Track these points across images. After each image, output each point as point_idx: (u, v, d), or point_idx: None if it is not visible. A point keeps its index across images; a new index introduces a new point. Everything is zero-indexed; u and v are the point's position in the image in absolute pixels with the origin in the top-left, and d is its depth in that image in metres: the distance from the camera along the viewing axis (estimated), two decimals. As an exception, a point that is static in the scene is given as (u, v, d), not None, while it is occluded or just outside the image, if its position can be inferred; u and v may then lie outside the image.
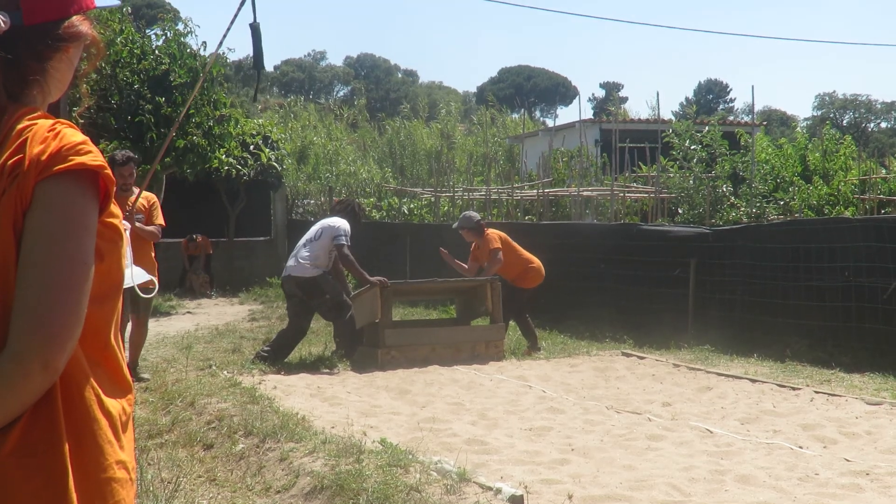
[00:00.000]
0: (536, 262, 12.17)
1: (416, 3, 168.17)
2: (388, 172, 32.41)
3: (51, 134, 1.81)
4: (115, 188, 1.88)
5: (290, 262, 10.90)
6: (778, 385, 9.34)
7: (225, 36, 6.64)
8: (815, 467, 6.14)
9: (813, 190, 17.84)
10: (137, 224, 8.73)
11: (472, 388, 9.35)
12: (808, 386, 9.26)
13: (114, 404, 1.89)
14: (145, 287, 7.77)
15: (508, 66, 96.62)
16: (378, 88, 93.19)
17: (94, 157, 1.81)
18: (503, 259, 11.86)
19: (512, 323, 12.53)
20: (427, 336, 11.37)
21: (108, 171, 1.84)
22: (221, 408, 7.89)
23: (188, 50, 17.57)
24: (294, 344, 10.94)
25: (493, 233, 12.20)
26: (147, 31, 18.95)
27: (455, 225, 12.74)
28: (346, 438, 6.51)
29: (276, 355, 10.55)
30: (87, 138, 1.85)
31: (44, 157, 1.77)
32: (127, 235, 2.00)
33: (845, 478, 5.88)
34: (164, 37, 17.87)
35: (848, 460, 6.36)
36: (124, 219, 7.38)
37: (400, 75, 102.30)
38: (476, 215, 12.49)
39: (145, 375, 9.48)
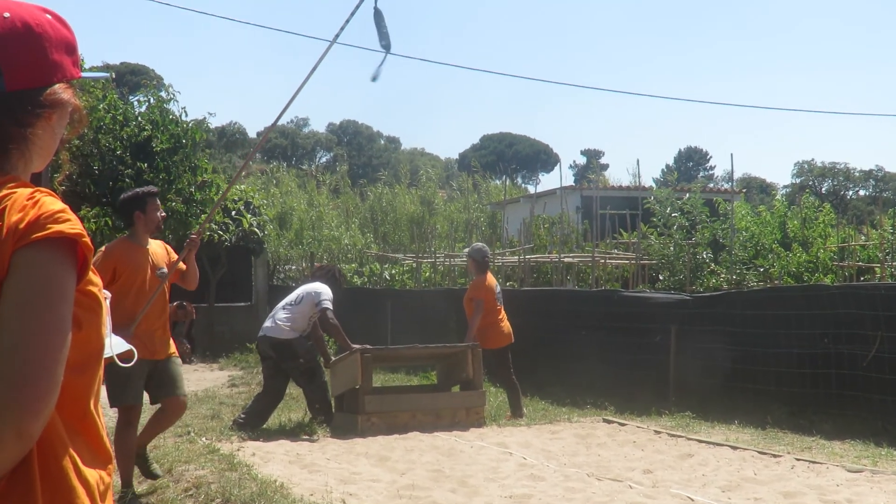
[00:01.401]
0: (505, 323, 12.11)
1: (398, 71, 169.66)
2: (369, 238, 32.46)
3: (29, 202, 1.82)
4: (93, 255, 1.89)
5: (267, 322, 10.90)
6: (759, 452, 9.33)
7: (338, 34, 6.69)
8: (797, 535, 6.12)
9: (792, 257, 17.90)
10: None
11: (452, 455, 9.30)
12: (789, 453, 9.25)
13: (92, 474, 1.88)
14: (124, 357, 7.70)
15: (490, 132, 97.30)
16: (360, 155, 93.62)
17: (72, 225, 1.82)
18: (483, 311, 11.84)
19: (494, 389, 12.52)
20: (407, 402, 11.32)
21: (87, 239, 1.85)
22: (199, 475, 7.83)
23: (170, 116, 17.67)
24: (271, 409, 10.88)
25: (489, 282, 12.15)
26: (130, 97, 19.06)
27: (466, 250, 12.82)
28: (324, 506, 6.46)
29: (254, 422, 10.49)
30: (65, 206, 1.86)
31: (21, 226, 1.77)
32: (107, 304, 2.00)
33: (826, 546, 5.87)
34: (146, 103, 17.97)
35: (829, 528, 6.34)
36: (167, 268, 7.40)
37: (382, 142, 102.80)
38: (487, 251, 12.55)
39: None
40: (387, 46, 5.38)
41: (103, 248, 7.31)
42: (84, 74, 2.10)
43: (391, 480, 8.00)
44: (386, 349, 13.32)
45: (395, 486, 7.71)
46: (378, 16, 6.10)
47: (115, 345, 7.37)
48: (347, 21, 5.68)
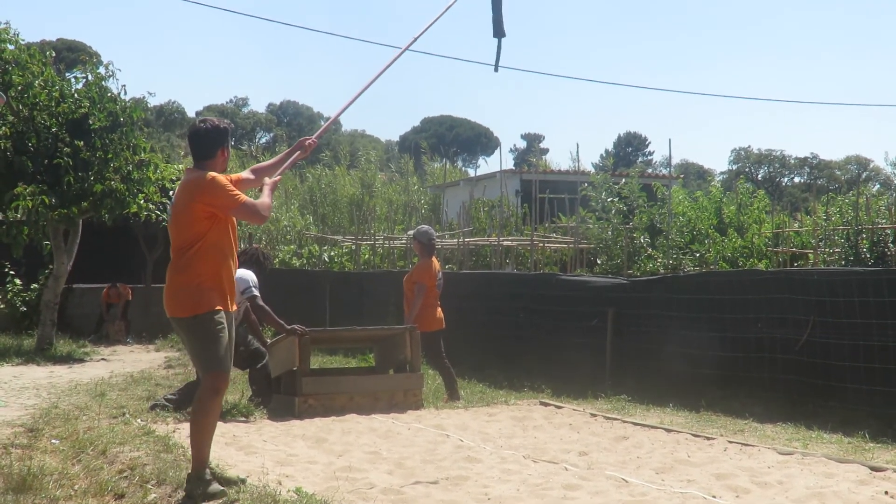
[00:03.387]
0: (439, 309, 12.15)
1: (339, 52, 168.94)
2: (308, 220, 32.32)
3: None
4: None
5: None
6: (693, 435, 9.44)
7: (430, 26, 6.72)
8: (728, 516, 6.20)
9: (727, 242, 18.12)
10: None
11: (389, 437, 9.30)
12: (722, 436, 9.35)
13: None
14: None
15: (431, 115, 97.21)
16: (300, 136, 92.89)
17: None
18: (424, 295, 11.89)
19: (432, 371, 12.54)
20: (345, 384, 11.30)
21: None
22: (134, 456, 7.76)
23: (108, 94, 17.42)
24: None
25: (434, 266, 12.19)
26: (67, 74, 18.74)
27: (411, 233, 12.79)
28: (260, 488, 6.44)
29: (183, 404, 10.40)
30: None
31: None
32: None
33: (757, 527, 5.95)
34: (84, 80, 17.69)
35: (760, 509, 6.43)
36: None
37: (322, 122, 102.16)
38: (434, 234, 12.58)
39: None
40: (500, 34, 5.31)
41: (213, 175, 6.55)
42: None
43: (328, 462, 7.99)
44: (324, 331, 13.28)
45: (332, 467, 7.70)
46: (497, 3, 6.00)
47: None
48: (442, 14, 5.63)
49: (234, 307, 6.86)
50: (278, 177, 7.23)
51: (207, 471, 6.46)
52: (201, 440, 6.46)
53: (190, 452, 6.68)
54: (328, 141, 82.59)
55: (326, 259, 23.75)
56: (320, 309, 18.62)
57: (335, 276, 20.52)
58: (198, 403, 6.56)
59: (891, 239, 16.36)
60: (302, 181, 41.53)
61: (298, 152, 7.44)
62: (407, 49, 8.03)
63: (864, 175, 73.75)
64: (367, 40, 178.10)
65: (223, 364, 6.53)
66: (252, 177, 7.28)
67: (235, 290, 6.94)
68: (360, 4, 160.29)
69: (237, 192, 6.57)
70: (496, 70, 7.68)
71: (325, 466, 7.80)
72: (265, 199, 6.86)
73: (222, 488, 6.36)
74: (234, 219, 6.75)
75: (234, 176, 7.07)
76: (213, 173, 6.56)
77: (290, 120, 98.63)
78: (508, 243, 20.36)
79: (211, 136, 6.77)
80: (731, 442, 9.00)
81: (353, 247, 23.36)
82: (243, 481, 6.60)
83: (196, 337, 6.56)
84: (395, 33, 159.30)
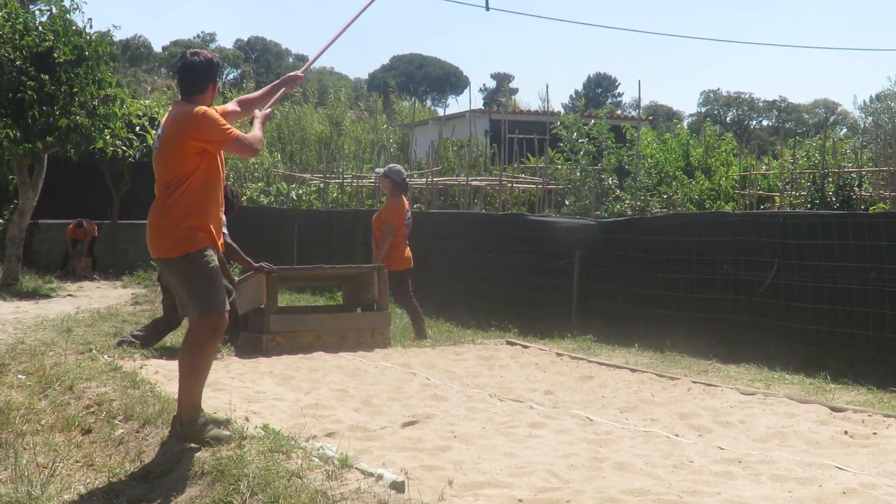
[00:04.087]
0: (407, 248, 12.14)
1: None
2: (276, 158, 32.14)
3: None
4: None
5: None
6: (657, 375, 9.53)
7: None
8: (690, 455, 6.29)
9: (695, 185, 18.22)
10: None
11: (356, 375, 9.34)
12: (686, 376, 9.45)
13: None
14: None
15: (400, 54, 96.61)
16: (268, 73, 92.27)
17: None
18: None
19: (400, 310, 12.58)
20: (312, 322, 11.32)
21: None
22: (101, 392, 7.76)
23: (73, 27, 17.17)
24: (169, 330, 10.79)
25: (404, 205, 12.19)
26: (31, 6, 18.45)
27: (381, 170, 12.72)
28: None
29: (149, 339, 10.39)
30: None
31: None
32: None
33: (718, 465, 6.03)
34: (48, 13, 17.43)
35: (721, 448, 6.52)
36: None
37: (291, 59, 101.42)
38: (405, 173, 12.53)
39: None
40: None
41: (204, 109, 6.33)
42: None
43: (295, 399, 8.02)
44: (291, 269, 13.29)
45: (299, 404, 7.73)
46: None
47: None
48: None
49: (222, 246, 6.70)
50: (269, 109, 7.08)
51: (201, 416, 6.25)
52: (196, 384, 6.26)
53: (177, 396, 6.41)
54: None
55: (294, 197, 23.69)
56: (288, 247, 18.60)
57: (303, 214, 20.46)
58: (194, 346, 6.32)
59: (856, 182, 16.52)
60: (270, 118, 41.23)
61: (284, 88, 7.30)
62: None
63: (832, 119, 74.08)
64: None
65: (222, 306, 6.37)
66: (238, 109, 7.07)
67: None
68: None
69: (229, 126, 6.37)
70: (487, 9, 7.58)
71: (292, 403, 7.83)
72: (256, 132, 6.69)
73: (228, 433, 6.13)
74: (222, 155, 6.55)
75: (220, 108, 6.83)
76: (203, 107, 6.34)
77: (259, 56, 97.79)
78: (477, 183, 20.37)
79: (203, 70, 6.53)
80: (694, 382, 9.09)
81: (322, 185, 23.29)
82: (228, 422, 6.49)
83: (188, 278, 6.32)
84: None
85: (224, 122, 6.36)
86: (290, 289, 15.84)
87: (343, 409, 7.73)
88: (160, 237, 6.33)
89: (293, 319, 11.28)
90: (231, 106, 7.13)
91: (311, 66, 8.55)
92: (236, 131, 6.38)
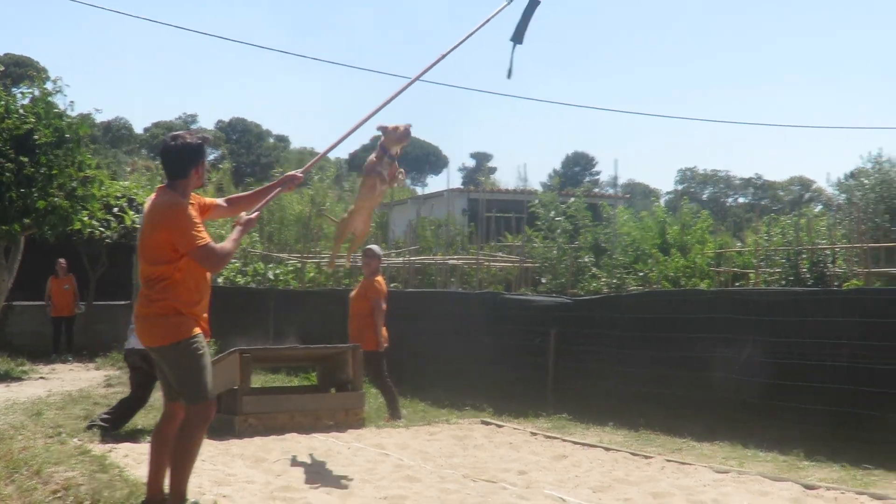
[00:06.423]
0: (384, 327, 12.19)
1: (286, 69, 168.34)
2: (254, 237, 32.13)
3: None
4: None
5: (132, 336, 10.55)
6: (631, 454, 9.50)
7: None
8: (662, 535, 6.25)
9: (670, 262, 18.30)
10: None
11: (329, 457, 9.26)
12: (660, 454, 9.42)
13: None
14: None
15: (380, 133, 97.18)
16: (249, 153, 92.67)
17: None
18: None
19: (375, 391, 12.52)
20: (286, 403, 11.25)
21: None
22: (69, 477, 7.67)
23: (55, 110, 17.23)
24: (135, 412, 10.69)
25: (383, 281, 12.33)
26: (13, 89, 18.52)
27: (367, 247, 12.87)
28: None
29: (115, 423, 10.29)
30: None
31: None
32: None
33: (690, 545, 6.00)
34: (30, 96, 17.49)
35: (694, 528, 6.48)
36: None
37: (272, 140, 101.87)
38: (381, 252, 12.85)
39: None
40: (518, 40, 5.16)
41: (179, 207, 6.21)
42: None
43: (266, 482, 7.94)
44: (265, 349, 13.23)
45: (270, 487, 7.66)
46: (531, 7, 5.75)
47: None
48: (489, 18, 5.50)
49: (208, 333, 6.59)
50: (255, 213, 6.87)
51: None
52: (185, 472, 6.28)
53: (147, 480, 6.45)
54: (277, 158, 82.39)
55: (272, 277, 23.65)
56: (264, 327, 18.51)
57: (279, 293, 20.41)
58: (186, 435, 6.28)
59: (830, 259, 16.63)
60: (254, 225, 41.28)
61: (280, 188, 7.18)
62: (409, 85, 8.08)
63: (806, 196, 74.78)
64: (318, 58, 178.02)
65: (211, 393, 6.35)
66: (225, 205, 6.97)
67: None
68: (314, 21, 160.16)
69: (200, 231, 6.19)
70: (509, 77, 7.56)
71: (262, 486, 7.75)
72: (230, 242, 6.47)
73: None
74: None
75: (208, 201, 6.74)
76: (178, 203, 6.20)
77: (239, 137, 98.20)
78: (454, 262, 20.41)
79: (182, 155, 6.36)
80: (668, 461, 9.06)
81: (299, 265, 23.29)
82: None
83: (179, 365, 6.29)
84: (347, 49, 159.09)
85: (196, 225, 6.21)
86: (264, 369, 15.75)
87: (314, 491, 7.65)
88: (149, 327, 6.32)
89: (266, 400, 11.21)
90: (220, 201, 7.02)
91: (319, 164, 8.65)
92: (205, 240, 6.21)
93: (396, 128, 8.82)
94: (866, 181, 23.26)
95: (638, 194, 70.75)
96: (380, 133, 8.99)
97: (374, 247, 12.91)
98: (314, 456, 9.30)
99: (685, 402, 11.22)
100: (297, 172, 7.34)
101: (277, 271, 24.04)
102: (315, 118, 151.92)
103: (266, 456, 9.22)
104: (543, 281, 19.81)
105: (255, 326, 18.39)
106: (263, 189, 7.25)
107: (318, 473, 8.41)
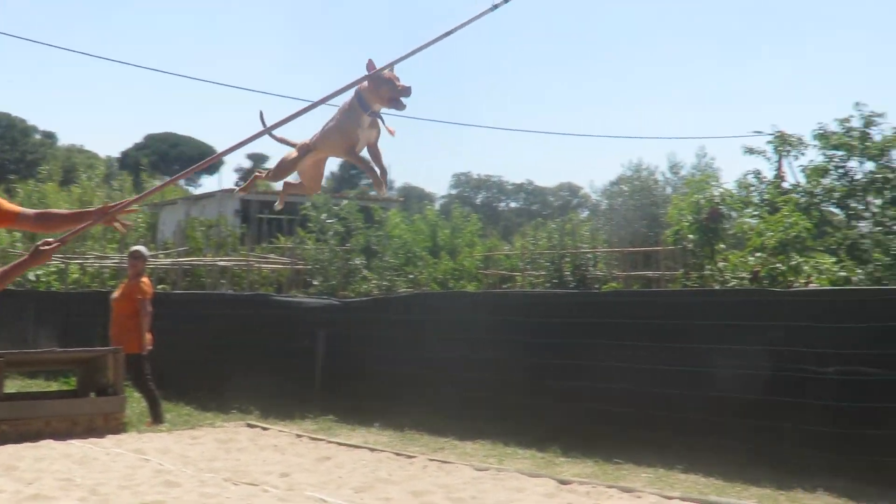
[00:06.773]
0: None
1: (52, 62, 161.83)
2: (15, 237, 30.79)
3: None
4: None
5: None
6: (395, 454, 9.60)
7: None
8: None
9: (440, 265, 18.59)
10: None
11: (85, 463, 8.98)
12: (423, 454, 9.56)
13: None
14: None
15: (154, 132, 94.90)
16: (14, 149, 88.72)
17: None
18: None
19: (137, 395, 12.20)
20: (41, 409, 10.83)
21: None
22: None
23: None
24: None
25: (149, 282, 12.11)
26: None
27: (133, 248, 12.54)
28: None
29: None
30: None
31: None
32: None
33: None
34: None
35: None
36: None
37: (38, 136, 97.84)
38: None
39: None
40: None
41: None
42: None
43: (15, 491, 7.64)
44: (21, 353, 12.70)
45: (19, 496, 7.38)
46: None
47: None
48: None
49: None
50: (56, 244, 4.99)
51: None
52: None
53: None
54: (44, 155, 79.17)
55: (32, 278, 22.70)
56: (24, 331, 17.76)
57: (40, 296, 19.62)
58: None
59: (592, 263, 17.26)
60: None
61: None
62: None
63: (574, 201, 77.36)
64: (86, 52, 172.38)
65: None
66: (32, 217, 5.14)
67: None
68: (83, 10, 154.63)
69: None
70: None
71: (11, 495, 7.46)
72: None
73: None
74: None
75: (5, 206, 5.03)
76: None
77: (3, 133, 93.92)
78: (224, 263, 20.13)
79: None
80: (431, 460, 9.21)
81: (62, 266, 22.46)
82: None
83: None
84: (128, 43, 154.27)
85: None
86: (21, 374, 15.10)
87: (67, 499, 7.43)
88: None
89: (19, 406, 10.77)
90: (22, 210, 5.28)
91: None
92: None
93: (393, 78, 4.99)
94: (626, 188, 24.27)
95: (414, 198, 71.61)
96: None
97: (141, 247, 12.62)
98: (70, 463, 9.00)
99: (448, 402, 11.38)
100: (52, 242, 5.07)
101: (39, 272, 23.08)
102: (87, 113, 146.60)
103: (17, 463, 8.88)
104: (315, 283, 19.77)
105: (14, 330, 17.64)
106: (77, 213, 5.42)
107: (71, 481, 8.14)
